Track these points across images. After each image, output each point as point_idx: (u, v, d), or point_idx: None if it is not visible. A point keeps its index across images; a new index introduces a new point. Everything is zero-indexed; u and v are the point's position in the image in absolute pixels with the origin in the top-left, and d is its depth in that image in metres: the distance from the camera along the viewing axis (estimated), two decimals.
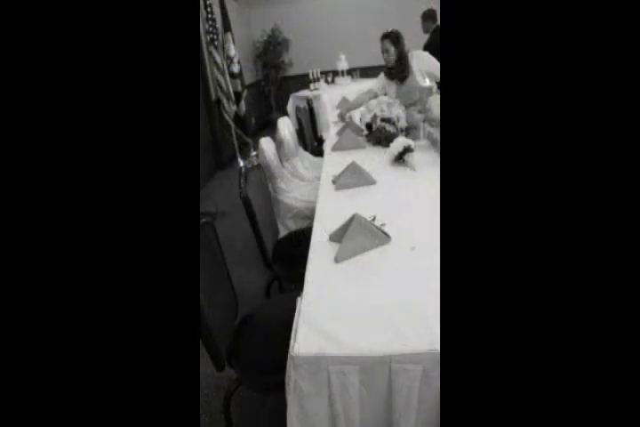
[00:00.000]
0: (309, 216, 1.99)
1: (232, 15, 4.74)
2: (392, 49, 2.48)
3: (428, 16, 4.35)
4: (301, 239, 1.70)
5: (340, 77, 5.53)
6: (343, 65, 5.43)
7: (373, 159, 2.10)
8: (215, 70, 4.31)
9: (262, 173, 2.03)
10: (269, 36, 6.48)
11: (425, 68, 2.51)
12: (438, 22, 4.30)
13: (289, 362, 0.84)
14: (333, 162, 2.15)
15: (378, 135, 2.34)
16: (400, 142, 1.93)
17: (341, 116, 3.03)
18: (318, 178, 2.10)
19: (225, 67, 4.38)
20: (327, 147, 2.55)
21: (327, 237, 1.30)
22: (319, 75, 5.26)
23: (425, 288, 0.98)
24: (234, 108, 4.52)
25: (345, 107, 3.14)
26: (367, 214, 1.33)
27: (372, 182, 1.78)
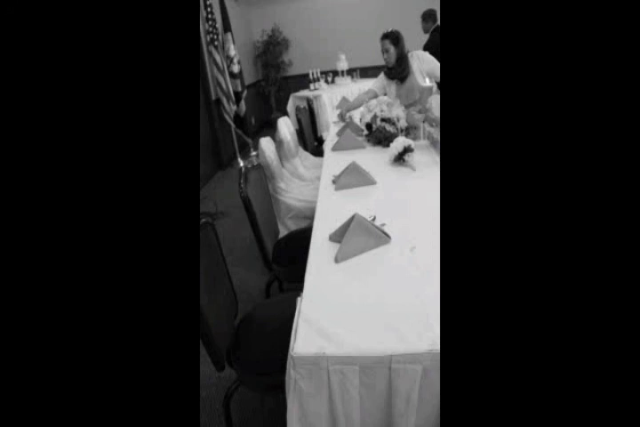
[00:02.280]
0: (309, 216, 1.99)
1: (232, 15, 4.74)
2: (392, 49, 2.49)
3: (427, 16, 4.35)
4: (301, 239, 1.70)
5: (340, 77, 5.54)
6: (343, 65, 5.44)
7: (373, 159, 2.10)
8: (215, 70, 4.31)
9: (262, 173, 2.03)
10: (269, 36, 6.48)
11: (425, 68, 2.52)
12: (438, 22, 4.30)
13: (289, 362, 0.84)
14: (333, 162, 2.15)
15: (378, 135, 2.34)
16: (400, 142, 1.93)
17: (341, 116, 3.03)
18: (318, 178, 2.10)
19: (225, 67, 4.38)
20: (327, 147, 2.55)
21: (327, 237, 1.30)
22: (319, 75, 5.27)
23: (425, 288, 0.98)
24: (234, 108, 4.52)
25: (345, 107, 3.14)
26: (367, 214, 1.33)
27: (372, 182, 1.78)
